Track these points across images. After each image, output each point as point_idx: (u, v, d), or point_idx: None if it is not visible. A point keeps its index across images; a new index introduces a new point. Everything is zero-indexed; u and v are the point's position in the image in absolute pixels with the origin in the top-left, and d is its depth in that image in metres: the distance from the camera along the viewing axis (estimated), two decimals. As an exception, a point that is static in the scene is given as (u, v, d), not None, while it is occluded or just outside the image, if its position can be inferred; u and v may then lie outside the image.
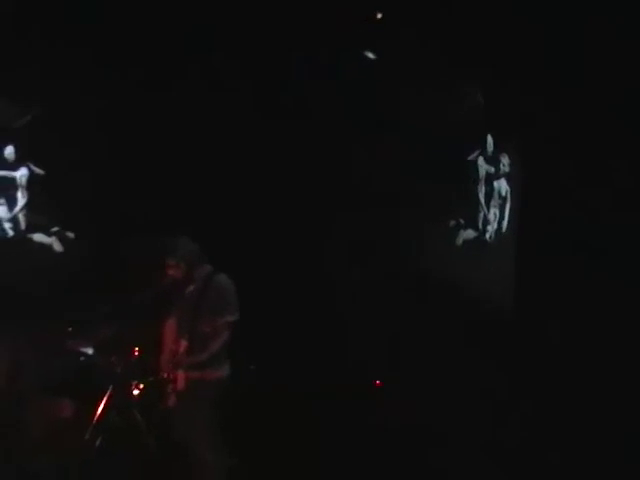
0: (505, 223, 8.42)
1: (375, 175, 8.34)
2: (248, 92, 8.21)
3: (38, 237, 8.44)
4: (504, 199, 8.50)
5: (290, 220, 8.08)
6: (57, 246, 8.45)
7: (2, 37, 7.67)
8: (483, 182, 8.60)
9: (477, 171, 8.61)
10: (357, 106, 8.25)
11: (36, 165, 8.38)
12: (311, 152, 8.14)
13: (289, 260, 8.01)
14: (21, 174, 8.40)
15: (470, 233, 8.56)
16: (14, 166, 8.38)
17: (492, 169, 8.56)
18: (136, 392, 7.03)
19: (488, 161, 8.57)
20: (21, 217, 8.42)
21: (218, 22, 7.90)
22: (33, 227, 8.41)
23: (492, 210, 8.53)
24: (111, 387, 6.88)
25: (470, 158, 8.63)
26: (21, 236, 8.38)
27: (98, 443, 6.89)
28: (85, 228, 8.26)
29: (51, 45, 7.83)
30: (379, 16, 8.06)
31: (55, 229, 8.41)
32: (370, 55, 8.24)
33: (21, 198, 8.42)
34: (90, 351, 7.19)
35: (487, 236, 8.51)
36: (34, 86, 8.03)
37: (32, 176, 8.42)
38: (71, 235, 8.41)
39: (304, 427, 7.39)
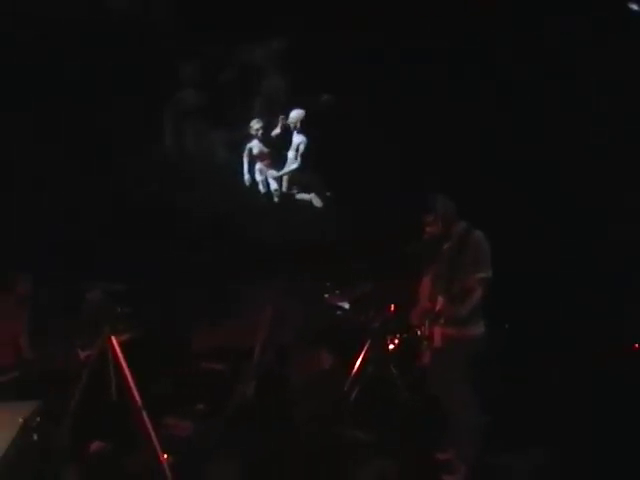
0: None
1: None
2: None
3: (300, 196, 8.80)
4: None
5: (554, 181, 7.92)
6: (317, 202, 8.76)
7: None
8: None
9: None
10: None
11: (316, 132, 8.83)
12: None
13: (546, 219, 7.85)
14: (300, 140, 8.83)
15: None
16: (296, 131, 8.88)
17: None
18: (391, 347, 7.19)
19: None
20: (285, 177, 8.82)
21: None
22: (296, 187, 8.77)
23: None
24: (369, 341, 7.06)
25: None
26: (284, 195, 8.77)
27: (355, 395, 7.12)
28: (344, 190, 8.49)
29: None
30: None
31: (316, 190, 8.73)
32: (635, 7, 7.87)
33: (292, 161, 8.85)
34: (347, 305, 7.40)
35: None
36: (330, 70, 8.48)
37: (309, 142, 8.85)
38: (330, 195, 8.69)
39: (557, 387, 7.25)
